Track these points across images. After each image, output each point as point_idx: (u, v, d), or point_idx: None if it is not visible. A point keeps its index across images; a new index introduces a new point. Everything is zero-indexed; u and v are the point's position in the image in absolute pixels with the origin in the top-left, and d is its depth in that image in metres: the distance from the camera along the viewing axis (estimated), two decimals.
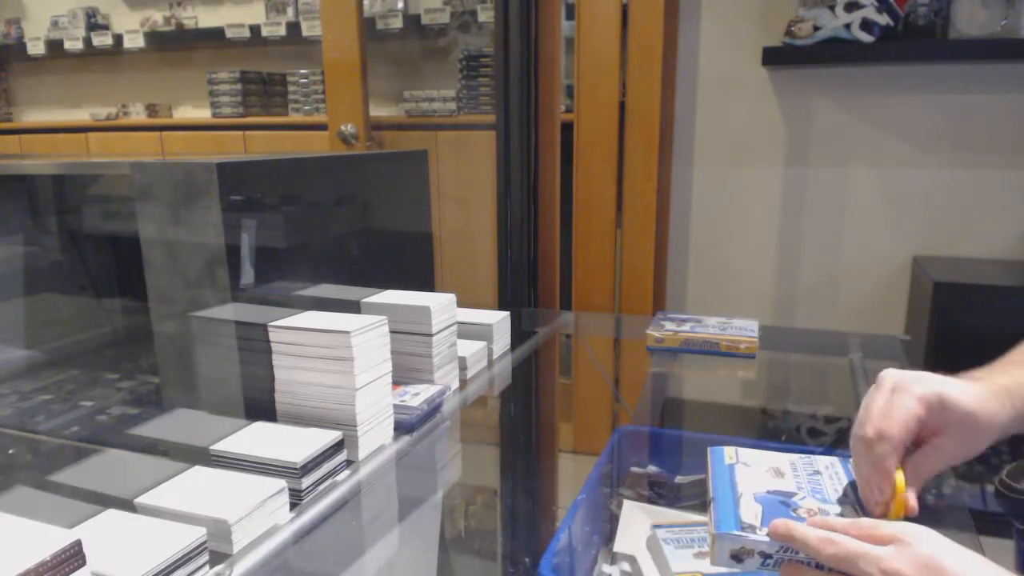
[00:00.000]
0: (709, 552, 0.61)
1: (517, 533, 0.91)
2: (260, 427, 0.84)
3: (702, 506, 0.68)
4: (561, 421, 1.35)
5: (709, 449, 0.77)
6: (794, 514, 0.61)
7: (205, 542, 0.63)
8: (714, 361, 1.29)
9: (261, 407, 0.88)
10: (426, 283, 1.41)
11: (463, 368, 1.12)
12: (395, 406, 0.92)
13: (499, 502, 1.02)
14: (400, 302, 1.01)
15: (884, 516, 0.60)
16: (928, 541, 0.52)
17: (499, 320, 1.25)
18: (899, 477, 0.60)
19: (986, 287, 1.72)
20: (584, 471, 0.85)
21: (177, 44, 3.29)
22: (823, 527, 0.56)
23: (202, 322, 0.89)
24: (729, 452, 0.75)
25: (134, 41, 3.24)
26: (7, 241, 1.24)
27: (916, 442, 0.62)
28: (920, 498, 0.61)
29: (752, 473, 0.69)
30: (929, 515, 0.74)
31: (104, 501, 0.67)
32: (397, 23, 2.72)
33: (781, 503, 0.63)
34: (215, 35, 3.11)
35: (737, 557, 0.58)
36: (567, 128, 2.00)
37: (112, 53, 3.36)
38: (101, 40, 3.29)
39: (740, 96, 2.12)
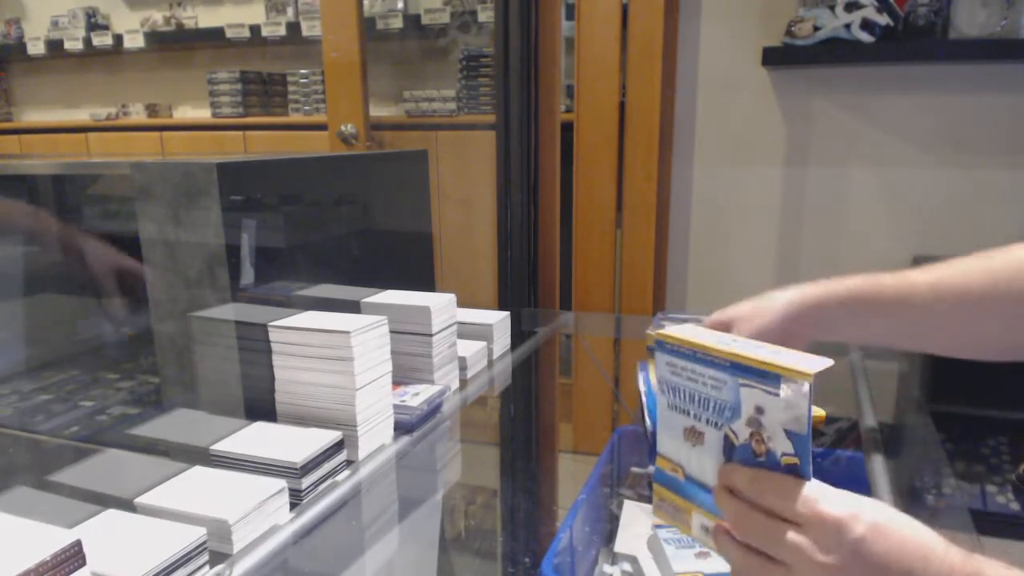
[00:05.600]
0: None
1: (517, 533, 0.91)
2: (260, 427, 0.84)
3: None
4: (561, 421, 1.35)
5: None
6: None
7: (205, 542, 0.63)
8: None
9: (261, 407, 0.88)
10: (426, 283, 1.41)
11: (463, 368, 1.12)
12: (395, 406, 0.92)
13: (499, 502, 1.02)
14: (400, 302, 1.01)
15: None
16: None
17: (499, 320, 1.25)
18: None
19: None
20: (584, 471, 0.85)
21: (177, 44, 3.29)
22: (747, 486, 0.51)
23: (202, 322, 0.89)
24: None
25: (134, 41, 3.24)
26: (7, 241, 1.24)
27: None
28: (920, 498, 0.61)
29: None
30: (929, 515, 0.74)
31: (104, 501, 0.67)
32: (397, 23, 2.72)
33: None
34: (215, 35, 3.11)
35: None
36: (567, 128, 2.00)
37: (112, 53, 3.36)
38: (101, 40, 3.29)
39: (740, 96, 2.12)
